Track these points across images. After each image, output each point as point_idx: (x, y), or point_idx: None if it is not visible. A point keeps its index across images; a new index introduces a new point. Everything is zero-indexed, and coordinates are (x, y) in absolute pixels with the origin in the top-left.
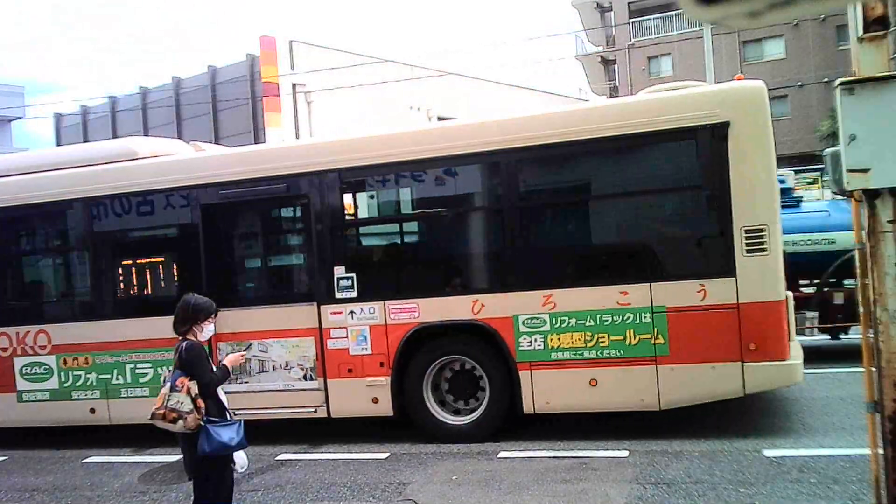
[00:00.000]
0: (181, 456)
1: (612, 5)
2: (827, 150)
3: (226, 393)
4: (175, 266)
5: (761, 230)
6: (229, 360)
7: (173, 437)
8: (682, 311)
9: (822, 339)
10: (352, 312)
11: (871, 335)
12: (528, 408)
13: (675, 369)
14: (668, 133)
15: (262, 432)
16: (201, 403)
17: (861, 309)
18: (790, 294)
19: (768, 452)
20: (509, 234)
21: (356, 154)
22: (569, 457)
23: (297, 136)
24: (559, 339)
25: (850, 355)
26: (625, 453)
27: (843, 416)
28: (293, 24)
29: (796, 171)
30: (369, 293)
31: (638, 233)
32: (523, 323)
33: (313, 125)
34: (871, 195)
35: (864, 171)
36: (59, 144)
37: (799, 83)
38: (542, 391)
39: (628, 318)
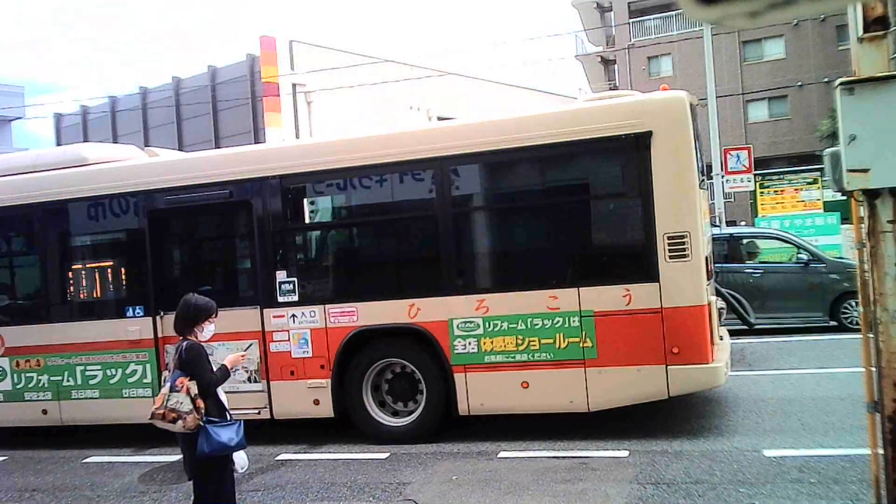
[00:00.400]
0: (181, 456)
1: (612, 5)
2: (827, 150)
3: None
4: (123, 270)
5: (683, 237)
6: (229, 360)
7: (173, 437)
8: (609, 316)
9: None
10: (293, 316)
11: (872, 335)
12: (463, 409)
13: (602, 372)
14: (594, 142)
15: (262, 432)
16: (201, 403)
17: (861, 309)
18: (714, 299)
19: (768, 452)
20: (443, 240)
21: (296, 161)
22: (569, 457)
23: (298, 136)
24: (492, 342)
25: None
26: (625, 453)
27: (843, 416)
28: (293, 24)
29: (796, 171)
30: (310, 297)
31: (567, 239)
32: (458, 326)
33: (313, 125)
34: (871, 195)
35: (864, 171)
36: (59, 144)
37: (799, 83)
38: (477, 393)
39: (558, 321)
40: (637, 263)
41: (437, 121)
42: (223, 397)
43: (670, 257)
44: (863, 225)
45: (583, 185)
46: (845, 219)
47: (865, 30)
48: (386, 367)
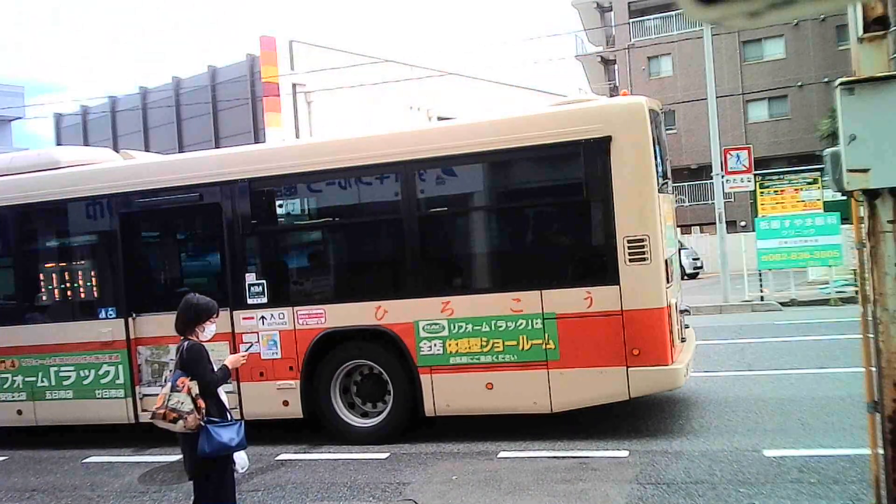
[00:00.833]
0: (181, 456)
1: (612, 5)
2: (827, 150)
3: (146, 396)
4: (95, 272)
5: (643, 240)
6: (230, 360)
7: (173, 437)
8: (571, 318)
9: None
10: (263, 318)
11: (872, 335)
12: (429, 410)
13: (564, 373)
14: (555, 146)
15: (262, 432)
16: (202, 403)
17: (861, 309)
18: (675, 301)
19: (768, 452)
20: (409, 243)
21: (264, 164)
22: (569, 457)
23: (298, 136)
24: (457, 344)
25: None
26: (625, 453)
27: (843, 416)
28: (293, 24)
29: (796, 171)
30: (279, 299)
31: (530, 242)
32: (423, 328)
33: (313, 125)
34: (871, 195)
35: (864, 171)
36: (59, 144)
37: (799, 83)
38: (443, 394)
39: (521, 324)
40: (598, 266)
41: (437, 121)
42: (224, 397)
43: (630, 260)
44: (863, 225)
45: (545, 189)
46: (845, 219)
47: (865, 30)
48: (355, 369)
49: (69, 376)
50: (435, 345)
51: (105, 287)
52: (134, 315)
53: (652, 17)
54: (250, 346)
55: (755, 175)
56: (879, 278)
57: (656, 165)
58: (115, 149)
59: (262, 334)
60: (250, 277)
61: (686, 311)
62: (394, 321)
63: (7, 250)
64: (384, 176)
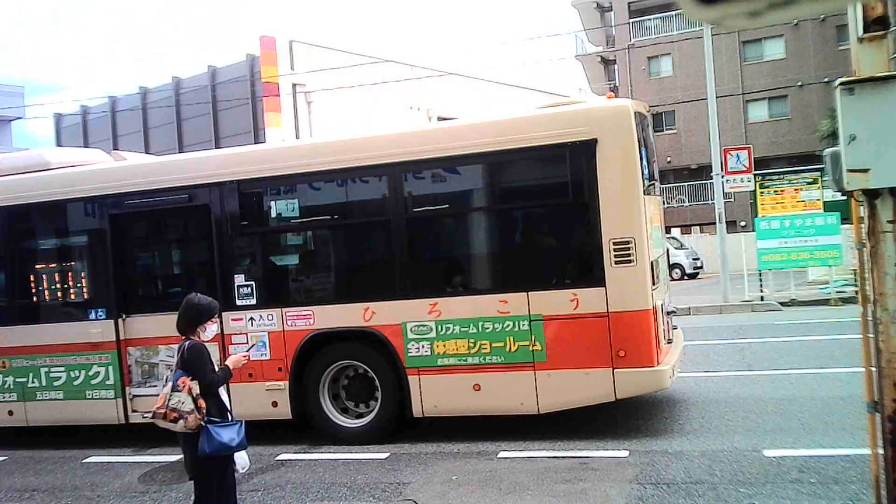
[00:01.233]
0: (181, 456)
1: (612, 5)
2: (827, 150)
3: (136, 396)
4: (85, 273)
5: (628, 242)
6: (231, 360)
7: (173, 437)
8: (557, 320)
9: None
10: (251, 319)
11: (872, 335)
12: (417, 411)
13: (551, 375)
14: (542, 149)
15: (262, 432)
16: (202, 403)
17: (861, 309)
18: (661, 303)
19: (768, 452)
20: (397, 245)
21: (252, 165)
22: (569, 457)
23: (298, 136)
24: (444, 345)
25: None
26: (625, 453)
27: (843, 416)
28: (293, 24)
29: (796, 171)
30: (268, 301)
31: (517, 244)
32: (411, 330)
33: (313, 125)
34: (871, 195)
35: (864, 171)
36: (59, 144)
37: (799, 83)
38: (430, 395)
39: (508, 325)
40: (584, 268)
41: (438, 121)
42: (225, 398)
43: (616, 262)
44: (863, 225)
45: (531, 191)
46: (845, 219)
47: (865, 30)
48: (343, 370)
49: (60, 377)
50: (423, 346)
51: (95, 288)
52: (124, 316)
53: (652, 17)
54: (251, 346)
55: (755, 175)
56: (879, 278)
57: (642, 168)
58: (116, 149)
59: (250, 335)
60: (239, 279)
61: (673, 312)
62: (382, 322)
63: None
64: (371, 178)
